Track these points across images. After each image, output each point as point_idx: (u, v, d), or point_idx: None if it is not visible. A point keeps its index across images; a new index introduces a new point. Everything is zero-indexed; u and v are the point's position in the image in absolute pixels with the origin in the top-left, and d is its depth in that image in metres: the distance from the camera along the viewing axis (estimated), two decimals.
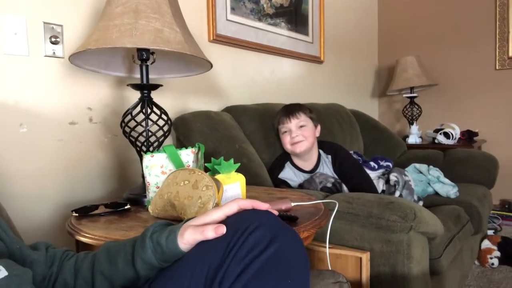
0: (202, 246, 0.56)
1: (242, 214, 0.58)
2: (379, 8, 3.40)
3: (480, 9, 2.90)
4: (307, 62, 2.52)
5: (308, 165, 1.62)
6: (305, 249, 0.57)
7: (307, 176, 1.59)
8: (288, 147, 1.59)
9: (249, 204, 0.60)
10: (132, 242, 0.62)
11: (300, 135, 1.56)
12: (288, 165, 1.63)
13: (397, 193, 1.62)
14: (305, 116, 1.60)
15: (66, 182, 1.29)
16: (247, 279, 0.49)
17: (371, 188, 1.57)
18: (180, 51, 0.99)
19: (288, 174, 1.61)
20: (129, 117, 1.12)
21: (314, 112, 1.68)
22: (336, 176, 1.59)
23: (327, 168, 1.62)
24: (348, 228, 1.16)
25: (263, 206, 0.60)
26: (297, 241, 0.56)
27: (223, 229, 0.55)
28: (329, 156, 1.64)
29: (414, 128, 2.88)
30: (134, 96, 1.41)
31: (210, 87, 1.84)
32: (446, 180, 1.86)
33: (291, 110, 1.60)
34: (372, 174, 1.78)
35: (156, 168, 1.01)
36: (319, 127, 1.67)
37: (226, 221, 0.58)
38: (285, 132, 1.59)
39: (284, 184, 1.58)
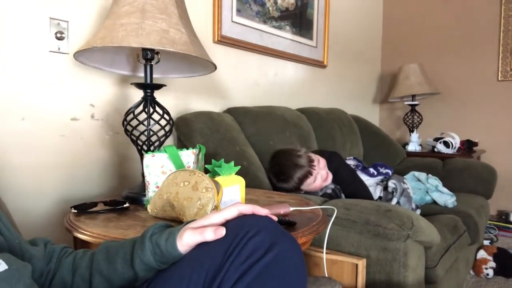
0: (201, 249, 0.56)
1: (241, 219, 0.58)
2: (384, 15, 3.41)
3: (485, 20, 2.91)
4: (310, 66, 2.53)
5: None
6: (303, 255, 0.57)
7: None
8: (321, 186, 1.55)
9: (249, 209, 0.60)
10: (132, 243, 0.62)
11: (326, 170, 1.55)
12: None
13: (395, 200, 1.62)
14: (320, 158, 1.57)
15: (66, 177, 1.29)
16: (245, 285, 0.50)
17: (367, 196, 1.57)
18: (185, 52, 1.00)
19: None
20: (131, 115, 1.13)
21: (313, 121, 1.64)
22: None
23: None
24: (345, 234, 1.17)
25: (262, 211, 0.61)
26: (296, 248, 0.56)
27: (222, 231, 0.56)
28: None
29: (414, 136, 2.89)
30: (137, 94, 1.42)
31: (212, 87, 1.84)
32: (445, 189, 1.86)
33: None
34: (371, 181, 1.78)
35: (157, 167, 1.02)
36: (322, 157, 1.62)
37: (225, 225, 0.58)
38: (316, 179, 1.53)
39: (282, 190, 1.58)
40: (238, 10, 1.91)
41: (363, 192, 1.58)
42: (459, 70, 3.04)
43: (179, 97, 1.67)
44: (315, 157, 1.54)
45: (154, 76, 1.15)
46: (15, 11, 1.15)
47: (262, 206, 0.63)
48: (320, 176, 1.52)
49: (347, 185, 1.58)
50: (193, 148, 1.06)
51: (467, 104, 3.02)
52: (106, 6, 1.36)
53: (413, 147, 2.85)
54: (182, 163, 1.02)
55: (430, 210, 1.74)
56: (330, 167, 1.62)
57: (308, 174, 1.48)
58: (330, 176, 1.55)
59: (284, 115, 1.90)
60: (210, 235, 0.56)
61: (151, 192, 1.02)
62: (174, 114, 1.61)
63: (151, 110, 1.13)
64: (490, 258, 1.99)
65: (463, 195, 1.96)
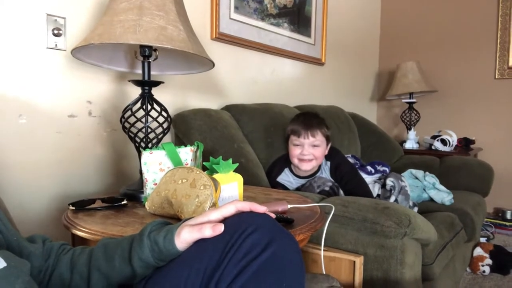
0: (200, 246, 0.56)
1: (239, 216, 0.58)
2: (381, 13, 3.41)
3: (482, 18, 2.91)
4: (308, 64, 2.53)
5: (308, 173, 1.62)
6: (301, 252, 0.57)
7: (303, 181, 1.59)
8: (294, 160, 1.54)
9: (247, 206, 0.60)
10: (130, 240, 0.62)
11: (311, 154, 1.51)
12: (287, 170, 1.62)
13: (393, 198, 1.62)
14: (321, 136, 1.53)
15: (63, 174, 1.29)
16: (243, 282, 0.50)
17: (366, 193, 1.57)
18: (183, 49, 0.99)
19: (286, 178, 1.61)
20: (129, 112, 1.12)
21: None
22: (333, 180, 1.60)
23: (325, 174, 1.62)
24: (342, 231, 1.17)
25: (260, 208, 0.61)
26: (293, 245, 0.56)
27: (221, 228, 0.56)
28: (328, 162, 1.64)
29: (412, 134, 2.89)
30: (135, 91, 1.41)
31: (210, 85, 1.84)
32: (442, 187, 1.87)
33: (310, 125, 1.52)
34: (369, 179, 1.79)
35: (155, 165, 1.02)
36: (329, 145, 1.61)
37: (223, 222, 0.58)
38: (297, 145, 1.53)
39: (281, 186, 1.58)
40: (236, 7, 1.91)
41: (363, 189, 1.58)
42: (457, 68, 3.04)
43: (177, 94, 1.67)
44: (322, 140, 1.53)
45: (151, 73, 1.15)
46: (12, 7, 1.15)
47: (260, 203, 0.63)
48: (299, 150, 1.51)
49: (347, 181, 1.58)
50: (191, 145, 1.06)
51: (464, 102, 3.03)
52: (103, 3, 1.36)
53: (410, 144, 2.85)
54: (180, 160, 1.02)
55: (427, 208, 1.75)
56: (331, 162, 1.63)
57: (295, 132, 1.53)
58: (306, 167, 1.53)
59: (282, 112, 1.90)
60: (208, 231, 0.56)
61: (149, 189, 1.02)
62: (171, 111, 1.61)
63: (149, 107, 1.13)
64: (487, 255, 2.00)
65: (460, 192, 1.97)
